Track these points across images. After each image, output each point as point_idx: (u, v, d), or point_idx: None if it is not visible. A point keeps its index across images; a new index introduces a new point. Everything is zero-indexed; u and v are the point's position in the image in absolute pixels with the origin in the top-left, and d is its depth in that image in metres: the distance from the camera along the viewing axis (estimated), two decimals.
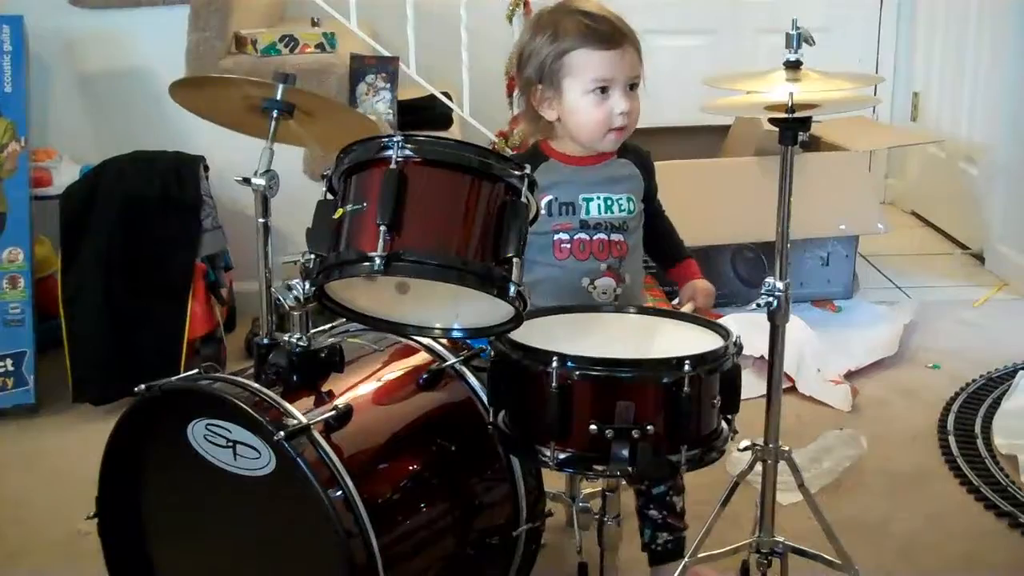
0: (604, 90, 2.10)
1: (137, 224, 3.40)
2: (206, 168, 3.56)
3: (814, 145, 4.08)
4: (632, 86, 2.13)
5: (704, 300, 2.26)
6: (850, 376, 3.38)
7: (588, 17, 2.11)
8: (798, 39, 1.92)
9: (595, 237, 2.15)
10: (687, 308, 2.20)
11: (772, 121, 1.94)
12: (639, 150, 2.26)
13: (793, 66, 1.92)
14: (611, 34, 2.10)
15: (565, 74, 2.11)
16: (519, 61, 2.22)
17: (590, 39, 2.09)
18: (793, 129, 1.92)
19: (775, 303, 1.98)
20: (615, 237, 2.17)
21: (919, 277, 4.40)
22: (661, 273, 2.35)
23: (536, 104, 2.17)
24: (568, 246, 2.15)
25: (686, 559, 2.06)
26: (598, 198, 2.16)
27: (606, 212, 2.16)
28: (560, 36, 2.11)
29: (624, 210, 2.19)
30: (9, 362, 3.31)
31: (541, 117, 2.18)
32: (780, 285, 1.97)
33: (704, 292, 2.27)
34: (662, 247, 2.34)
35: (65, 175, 3.61)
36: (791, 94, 1.87)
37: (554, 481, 2.28)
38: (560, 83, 2.12)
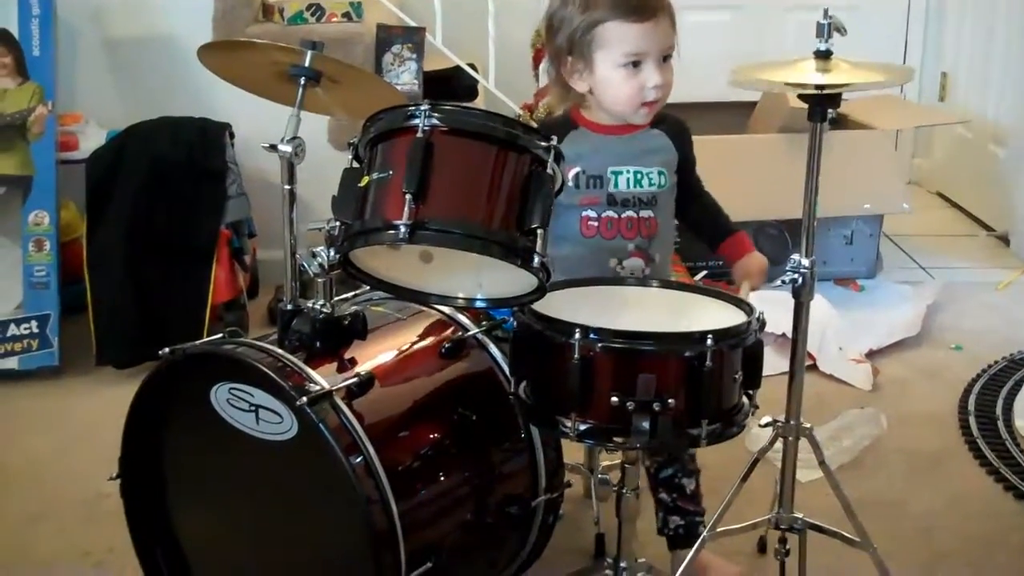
0: (636, 63, 2.06)
1: (162, 189, 3.42)
2: (232, 135, 3.57)
3: (841, 123, 4.06)
4: (666, 57, 2.09)
5: (759, 279, 2.22)
6: (872, 355, 3.37)
7: None
8: (828, 28, 1.90)
9: (623, 215, 2.12)
10: (744, 289, 2.16)
11: (801, 97, 1.92)
12: (674, 119, 2.21)
13: (823, 56, 1.91)
14: (644, 5, 2.05)
15: (596, 46, 2.06)
16: (548, 29, 2.17)
17: (622, 10, 2.04)
18: (823, 105, 1.91)
19: (800, 280, 1.97)
20: (644, 213, 2.13)
21: (943, 258, 4.37)
22: (708, 249, 2.29)
23: (566, 75, 2.13)
24: (596, 224, 2.11)
25: (705, 533, 2.06)
26: (627, 171, 2.12)
27: (635, 186, 2.13)
28: (591, 5, 2.06)
29: (655, 184, 2.14)
30: (34, 324, 3.34)
31: (571, 88, 2.14)
32: (805, 262, 1.96)
33: (758, 270, 2.22)
34: (706, 222, 2.29)
35: (91, 140, 3.63)
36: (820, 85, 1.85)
37: (573, 453, 2.29)
38: (591, 55, 2.07)
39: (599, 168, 2.11)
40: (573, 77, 2.13)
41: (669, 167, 2.17)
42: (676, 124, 2.21)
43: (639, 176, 2.12)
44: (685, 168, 2.21)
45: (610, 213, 2.12)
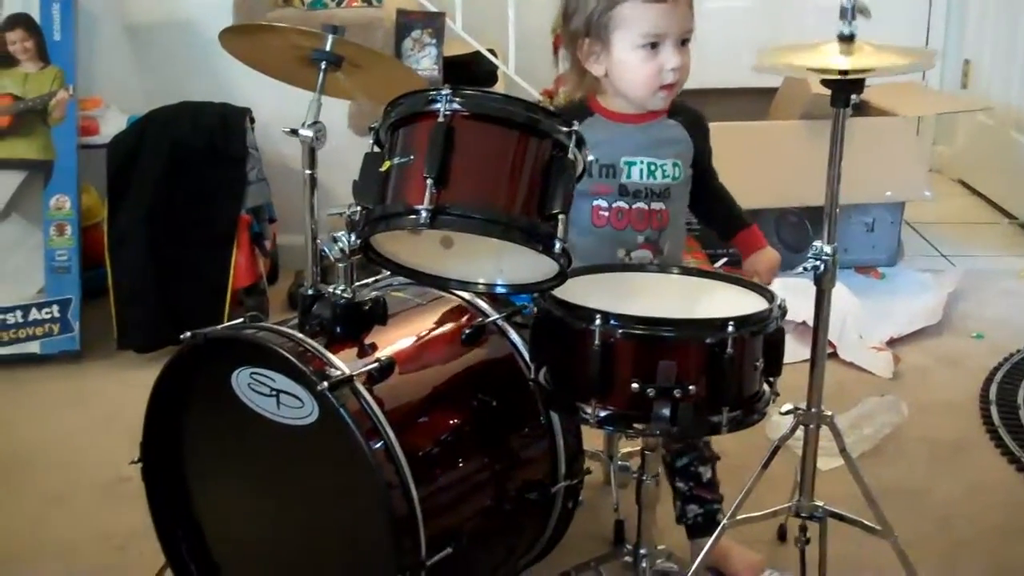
0: (655, 45, 2.04)
1: (183, 174, 3.43)
2: (252, 120, 3.57)
3: (862, 109, 4.03)
4: (684, 41, 2.07)
5: (769, 276, 2.21)
6: (892, 343, 3.36)
7: None
8: (852, 11, 1.88)
9: (634, 206, 2.10)
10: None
11: (824, 83, 1.91)
12: (691, 110, 2.20)
13: (847, 39, 1.89)
14: None
15: (614, 27, 2.05)
16: (565, 12, 2.15)
17: None
18: (846, 91, 1.89)
19: (822, 267, 1.97)
20: (656, 206, 2.12)
21: (964, 246, 4.35)
22: (719, 240, 2.28)
23: (583, 58, 2.12)
24: (606, 213, 2.10)
25: (724, 520, 2.05)
26: (641, 162, 2.11)
27: (648, 177, 2.11)
28: None
29: (668, 176, 2.13)
30: (55, 308, 3.36)
31: (587, 72, 2.13)
32: (828, 249, 1.96)
33: (768, 266, 2.22)
34: (719, 214, 2.28)
35: (112, 124, 3.64)
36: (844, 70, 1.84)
37: (593, 440, 2.29)
38: (609, 37, 2.06)
39: (612, 157, 2.10)
40: (590, 60, 2.11)
41: (684, 159, 2.15)
42: (693, 115, 2.19)
43: (652, 168, 2.11)
44: (701, 161, 2.20)
45: (621, 203, 2.11)
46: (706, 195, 2.24)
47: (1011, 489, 2.62)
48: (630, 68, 2.07)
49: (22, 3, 3.49)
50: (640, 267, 2.06)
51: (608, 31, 2.06)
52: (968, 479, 2.64)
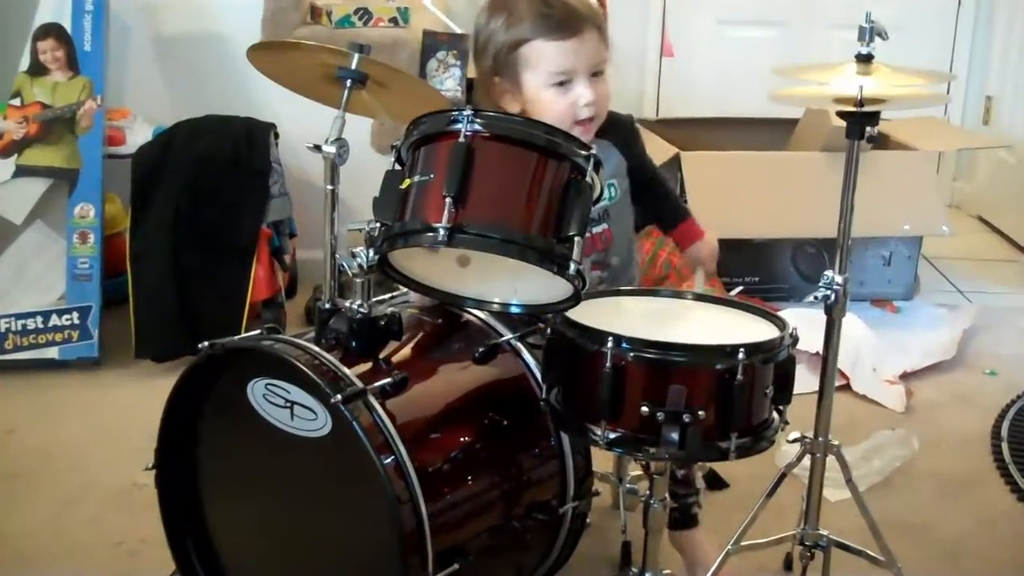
0: (564, 83, 2.02)
1: (206, 186, 3.47)
2: (276, 135, 3.61)
3: (883, 143, 4.05)
4: (596, 73, 2.04)
5: (712, 262, 2.19)
6: (905, 377, 3.36)
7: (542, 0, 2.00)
8: (871, 32, 1.90)
9: None
10: (698, 277, 2.13)
11: (840, 115, 1.93)
12: (620, 123, 2.16)
13: (864, 59, 1.91)
14: (567, 20, 2.00)
15: (523, 67, 2.02)
16: (475, 50, 2.11)
17: (544, 28, 1.99)
18: (861, 123, 1.91)
19: (832, 296, 1.98)
20: (598, 229, 2.12)
21: (981, 282, 4.35)
22: (663, 232, 2.30)
23: (497, 97, 2.08)
24: None
25: (729, 546, 2.07)
26: None
27: None
28: (514, 22, 2.01)
29: (605, 198, 2.10)
30: (75, 315, 3.39)
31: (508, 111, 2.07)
32: (839, 279, 1.97)
33: (710, 254, 2.20)
34: (657, 208, 2.26)
35: (138, 135, 3.68)
36: (860, 87, 1.86)
37: (602, 462, 2.30)
38: (518, 77, 2.04)
39: None
40: (505, 99, 2.09)
41: (620, 176, 2.14)
42: (622, 128, 2.17)
43: None
44: (634, 162, 2.17)
45: None
46: (644, 191, 2.22)
47: (1019, 526, 2.61)
48: (543, 106, 2.04)
49: (54, 13, 3.54)
50: (654, 291, 2.08)
51: (516, 71, 2.04)
52: (977, 515, 2.64)
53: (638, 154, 2.20)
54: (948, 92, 4.60)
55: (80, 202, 3.45)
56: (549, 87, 2.03)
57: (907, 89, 1.97)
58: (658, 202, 2.27)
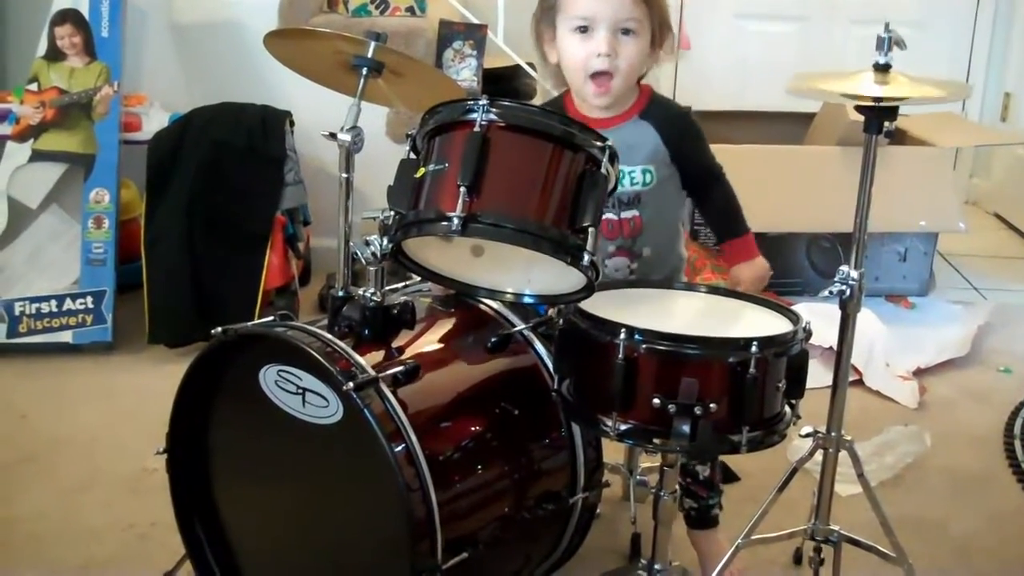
0: (586, 29, 2.03)
1: (221, 173, 3.47)
2: (292, 123, 3.61)
3: (900, 139, 4.04)
4: (625, 31, 2.04)
5: (751, 287, 2.14)
6: (919, 373, 3.35)
7: None
8: (888, 42, 1.89)
9: (603, 216, 2.02)
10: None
11: (858, 109, 1.92)
12: (668, 108, 2.15)
13: (882, 69, 1.90)
14: None
15: (557, 11, 2.07)
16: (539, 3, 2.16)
17: None
18: (879, 118, 1.90)
19: (848, 292, 1.97)
20: (626, 214, 2.11)
21: (997, 279, 4.34)
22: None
23: (542, 47, 2.14)
24: None
25: (739, 540, 2.06)
26: None
27: None
28: None
29: (637, 183, 2.10)
30: (90, 300, 3.40)
31: (550, 63, 2.13)
32: (854, 274, 1.96)
33: (751, 277, 2.15)
34: (714, 218, 2.22)
35: (154, 121, 3.69)
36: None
37: (613, 453, 2.30)
38: (554, 21, 2.08)
39: None
40: (546, 47, 2.14)
41: (657, 162, 2.11)
42: (668, 114, 2.14)
43: (620, 175, 1.99)
44: (683, 161, 2.14)
45: None
46: (703, 197, 2.20)
47: None
48: (566, 53, 2.08)
49: None
50: (668, 284, 2.08)
51: (553, 16, 2.08)
52: (988, 512, 2.63)
53: (685, 150, 2.13)
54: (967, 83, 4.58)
55: (95, 187, 3.46)
56: (572, 32, 2.05)
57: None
58: (716, 209, 2.21)
